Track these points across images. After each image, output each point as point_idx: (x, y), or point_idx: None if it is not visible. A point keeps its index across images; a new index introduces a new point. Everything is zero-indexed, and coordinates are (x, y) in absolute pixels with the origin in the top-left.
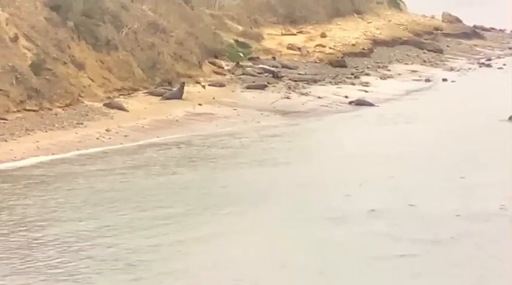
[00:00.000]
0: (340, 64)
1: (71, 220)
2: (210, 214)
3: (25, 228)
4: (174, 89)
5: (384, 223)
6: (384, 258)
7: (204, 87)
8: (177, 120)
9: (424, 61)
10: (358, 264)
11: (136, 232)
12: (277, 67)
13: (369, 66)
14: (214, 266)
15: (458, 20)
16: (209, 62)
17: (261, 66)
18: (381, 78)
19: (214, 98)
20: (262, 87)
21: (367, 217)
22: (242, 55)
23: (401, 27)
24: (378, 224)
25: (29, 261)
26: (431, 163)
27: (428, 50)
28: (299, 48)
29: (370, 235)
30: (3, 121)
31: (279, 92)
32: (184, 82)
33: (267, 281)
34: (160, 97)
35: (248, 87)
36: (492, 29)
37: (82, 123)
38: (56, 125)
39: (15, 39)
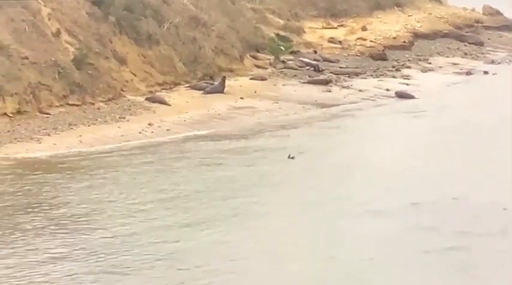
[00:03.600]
0: (381, 58)
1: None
2: (255, 208)
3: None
4: (216, 83)
5: (428, 216)
6: (434, 251)
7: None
8: (219, 114)
9: (465, 54)
10: (407, 257)
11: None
12: (318, 60)
13: (409, 59)
14: (262, 260)
15: (498, 13)
16: (250, 56)
17: (302, 59)
18: (421, 70)
19: (255, 92)
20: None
21: (410, 210)
22: (283, 49)
23: (442, 20)
24: (422, 217)
25: (75, 249)
26: (467, 155)
27: (469, 43)
28: (340, 42)
29: (416, 228)
30: (46, 115)
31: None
32: (225, 76)
33: (315, 272)
34: (202, 92)
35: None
36: None
37: (124, 117)
38: (99, 119)
39: (57, 34)
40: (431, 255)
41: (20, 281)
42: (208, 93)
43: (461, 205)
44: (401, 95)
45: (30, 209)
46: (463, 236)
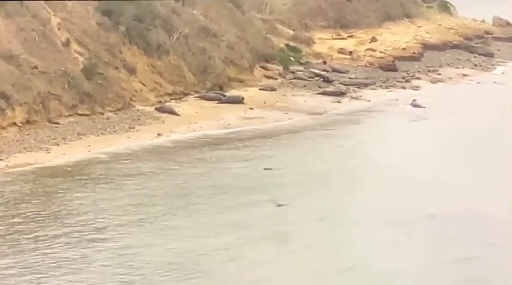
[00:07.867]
0: (391, 68)
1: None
2: (250, 211)
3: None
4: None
5: (445, 226)
6: (454, 261)
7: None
8: (228, 124)
9: (475, 65)
10: (428, 268)
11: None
12: (327, 71)
13: (419, 70)
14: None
15: (509, 24)
16: (260, 66)
17: (312, 70)
18: (431, 82)
19: (265, 102)
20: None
21: (427, 220)
22: (293, 59)
23: (452, 31)
24: (439, 227)
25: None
26: (477, 163)
27: (479, 54)
28: (350, 52)
29: (434, 238)
30: (55, 125)
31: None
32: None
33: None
34: (218, 101)
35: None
36: None
37: (134, 127)
38: (108, 129)
39: (67, 43)
40: (453, 265)
41: None
42: (225, 102)
43: (478, 215)
44: (412, 104)
45: (39, 217)
46: (484, 247)
